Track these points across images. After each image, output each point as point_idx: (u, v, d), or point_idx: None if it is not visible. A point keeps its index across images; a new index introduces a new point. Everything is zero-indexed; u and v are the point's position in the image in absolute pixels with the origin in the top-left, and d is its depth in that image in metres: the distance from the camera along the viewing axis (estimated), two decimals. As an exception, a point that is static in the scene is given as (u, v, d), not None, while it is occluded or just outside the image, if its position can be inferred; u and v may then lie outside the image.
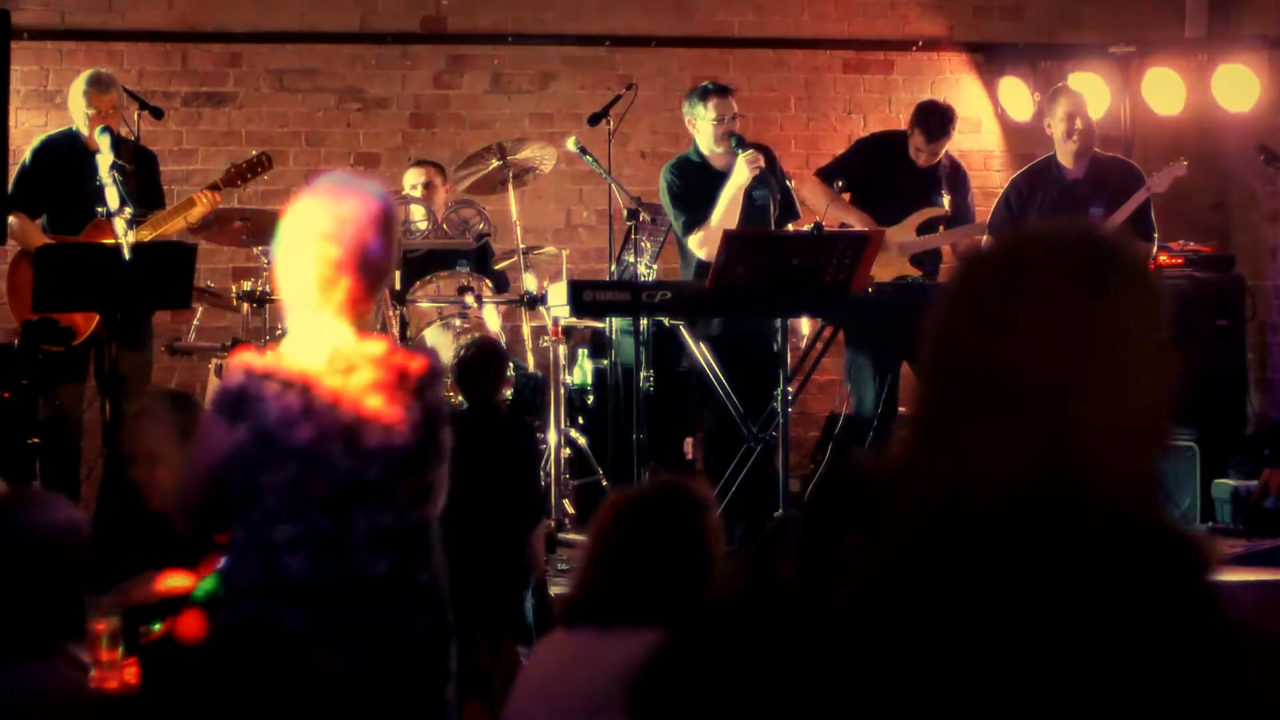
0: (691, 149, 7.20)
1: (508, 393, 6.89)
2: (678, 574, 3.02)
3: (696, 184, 7.01)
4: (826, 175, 7.58)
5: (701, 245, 6.90)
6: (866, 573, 1.66)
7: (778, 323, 6.72)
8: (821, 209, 7.20)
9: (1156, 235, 7.44)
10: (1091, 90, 8.35)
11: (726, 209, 6.88)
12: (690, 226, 6.95)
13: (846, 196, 7.48)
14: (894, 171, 7.51)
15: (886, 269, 7.28)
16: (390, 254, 3.39)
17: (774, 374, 6.78)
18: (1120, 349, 1.65)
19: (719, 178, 7.02)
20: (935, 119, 7.49)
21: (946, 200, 7.54)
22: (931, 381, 1.71)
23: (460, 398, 5.69)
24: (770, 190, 7.07)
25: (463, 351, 5.65)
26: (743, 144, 6.89)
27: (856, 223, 7.32)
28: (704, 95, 7.08)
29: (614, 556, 3.05)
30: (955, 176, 7.66)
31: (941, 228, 7.54)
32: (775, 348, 6.77)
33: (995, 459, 1.63)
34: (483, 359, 5.60)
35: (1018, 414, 1.63)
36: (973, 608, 1.60)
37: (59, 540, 2.89)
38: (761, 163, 6.83)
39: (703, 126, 7.05)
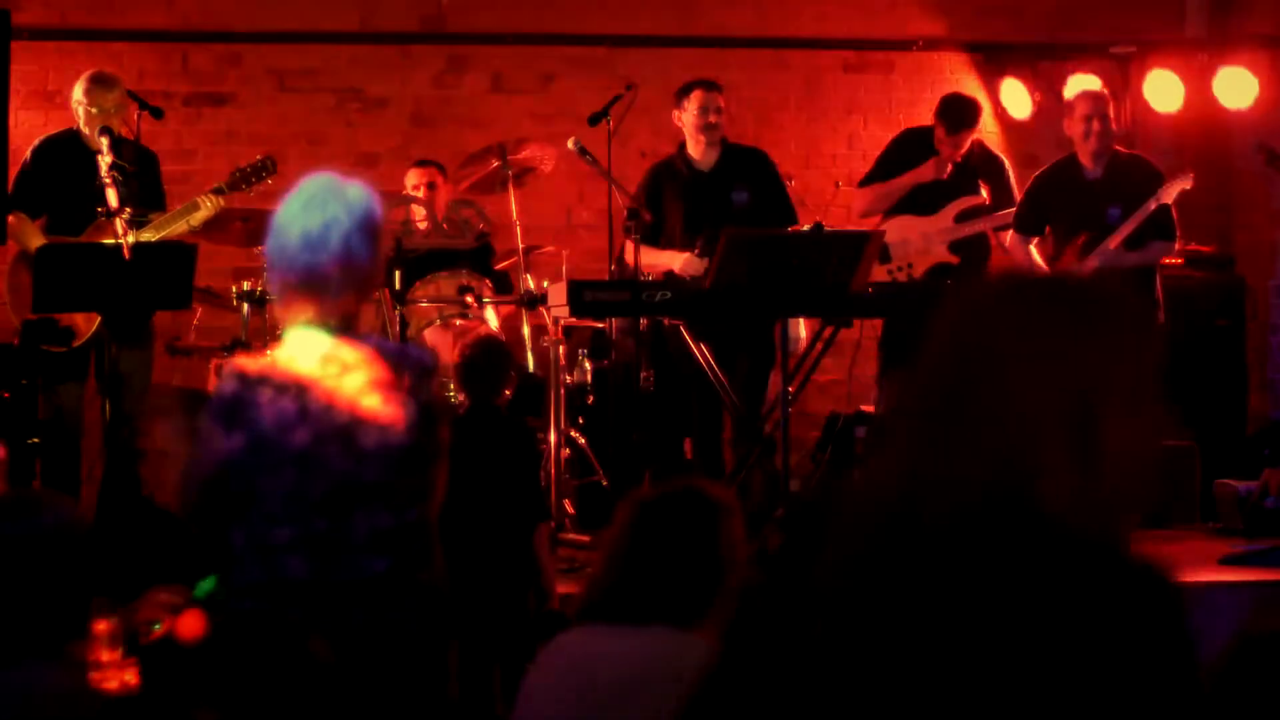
0: (679, 150, 7.25)
1: (508, 393, 6.89)
2: (692, 575, 3.02)
3: (663, 193, 7.11)
4: (869, 181, 7.71)
5: (631, 255, 6.86)
6: (823, 580, 1.69)
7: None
8: (880, 207, 7.45)
9: (1179, 234, 7.45)
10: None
11: (654, 258, 7.02)
12: (644, 237, 6.92)
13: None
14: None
15: (924, 258, 7.33)
16: (376, 254, 3.39)
17: (762, 368, 6.88)
18: (1093, 391, 1.67)
19: (697, 179, 7.09)
20: (954, 112, 7.57)
21: (985, 190, 7.58)
22: (904, 393, 1.74)
23: (462, 396, 5.67)
24: (750, 192, 7.13)
25: (467, 350, 5.63)
26: (706, 252, 6.89)
27: (912, 179, 7.49)
28: (687, 89, 7.23)
29: (629, 554, 3.05)
30: (989, 165, 7.70)
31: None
32: (761, 342, 6.99)
33: (948, 471, 1.65)
34: (487, 358, 5.57)
35: (976, 432, 1.66)
36: (915, 613, 1.62)
37: (63, 541, 2.88)
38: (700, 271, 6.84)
39: (687, 120, 7.17)
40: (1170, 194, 7.28)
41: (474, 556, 5.17)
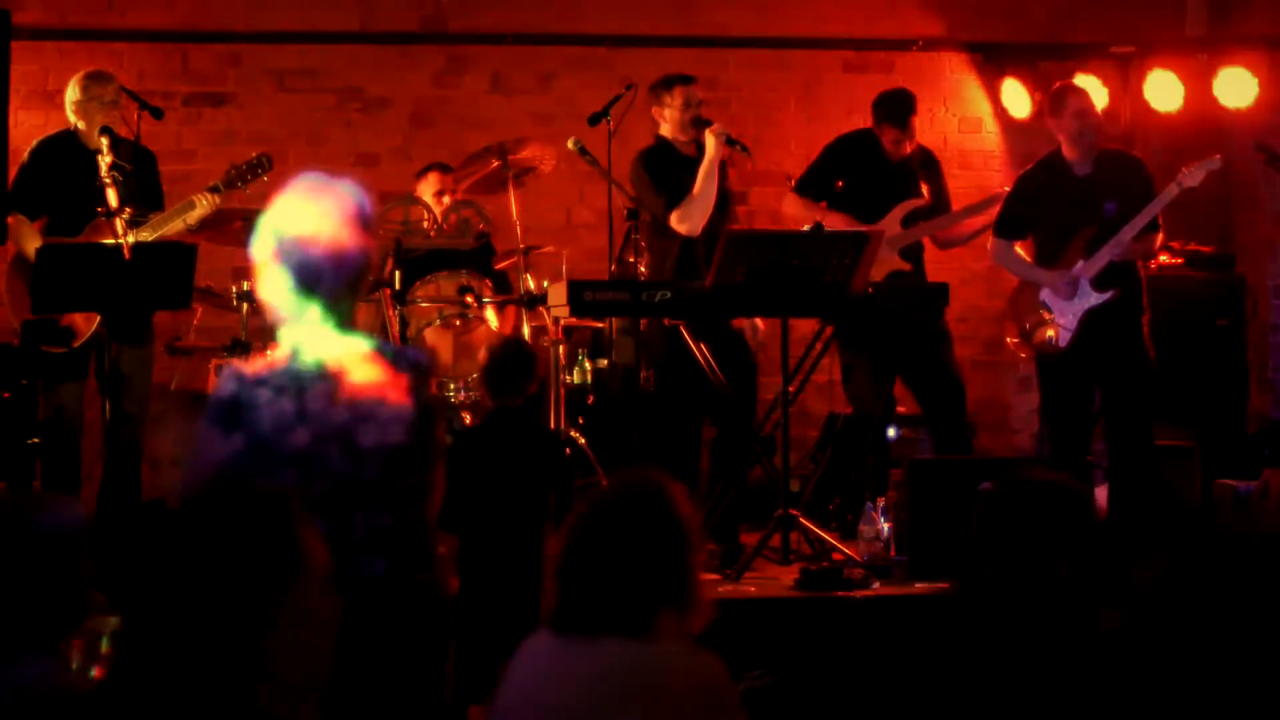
0: (656, 140, 7.20)
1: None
2: (654, 580, 2.98)
3: (669, 167, 7.06)
4: (804, 187, 7.58)
5: (682, 220, 6.94)
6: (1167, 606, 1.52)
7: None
8: (804, 222, 7.21)
9: (1162, 226, 7.29)
10: (1091, 90, 8.34)
11: (704, 182, 6.94)
12: (672, 204, 6.97)
13: (823, 204, 7.51)
14: (868, 169, 7.49)
15: (880, 267, 7.29)
16: (369, 251, 3.38)
17: (746, 369, 6.87)
18: None
19: (687, 162, 7.05)
20: (901, 108, 7.48)
21: (925, 190, 7.53)
22: None
23: (491, 400, 5.61)
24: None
25: (490, 352, 5.61)
26: (704, 122, 6.97)
27: (842, 226, 7.29)
28: (669, 84, 7.15)
29: (586, 564, 3.00)
30: (929, 165, 7.64)
31: (920, 219, 7.52)
32: (745, 344, 7.09)
33: None
34: (508, 361, 5.54)
35: None
36: None
37: (65, 539, 2.89)
38: (729, 130, 6.93)
39: (670, 115, 7.10)
40: (1197, 177, 7.01)
41: (488, 558, 5.17)
